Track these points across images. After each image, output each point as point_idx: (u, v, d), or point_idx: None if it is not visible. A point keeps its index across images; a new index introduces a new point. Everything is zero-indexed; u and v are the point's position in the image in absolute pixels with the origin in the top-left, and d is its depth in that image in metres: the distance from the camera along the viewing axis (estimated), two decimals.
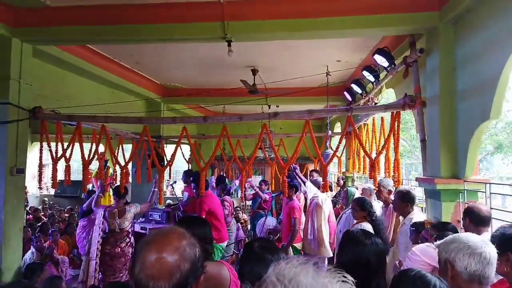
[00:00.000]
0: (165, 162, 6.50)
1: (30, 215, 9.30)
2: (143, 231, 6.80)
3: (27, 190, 10.80)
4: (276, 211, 8.54)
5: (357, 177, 7.90)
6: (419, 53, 4.16)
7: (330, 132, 7.00)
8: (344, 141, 5.48)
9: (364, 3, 4.11)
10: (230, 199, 7.13)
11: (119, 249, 5.28)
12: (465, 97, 3.65)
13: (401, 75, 4.76)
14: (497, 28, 3.16)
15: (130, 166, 5.99)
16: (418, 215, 3.92)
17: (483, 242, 1.75)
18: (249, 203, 9.19)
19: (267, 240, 2.57)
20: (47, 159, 5.44)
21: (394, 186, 4.54)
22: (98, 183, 6.63)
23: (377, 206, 4.88)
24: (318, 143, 5.08)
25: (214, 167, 8.77)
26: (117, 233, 5.32)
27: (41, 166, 5.42)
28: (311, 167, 9.53)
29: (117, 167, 5.93)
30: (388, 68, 4.90)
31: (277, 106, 9.19)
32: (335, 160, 5.18)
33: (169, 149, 8.69)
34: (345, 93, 7.41)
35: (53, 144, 5.20)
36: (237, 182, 8.14)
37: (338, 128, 9.92)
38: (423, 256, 2.00)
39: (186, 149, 7.90)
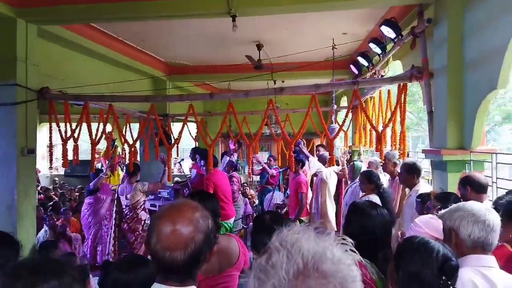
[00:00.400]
0: (172, 140, 6.56)
1: (42, 195, 9.48)
2: (153, 208, 6.93)
3: (39, 170, 10.98)
4: (283, 186, 8.63)
5: (363, 151, 7.92)
6: (427, 23, 4.10)
7: (335, 106, 6.98)
8: (350, 115, 5.48)
9: None
10: (238, 175, 7.21)
11: (126, 225, 5.43)
12: (473, 67, 3.61)
13: (408, 47, 4.70)
14: None
15: (137, 144, 6.04)
16: (424, 186, 3.95)
17: (486, 210, 1.78)
18: (256, 178, 9.27)
19: (277, 213, 2.64)
20: (56, 139, 5.52)
21: (399, 158, 4.56)
22: (107, 162, 6.74)
23: (384, 179, 4.92)
24: (324, 117, 5.09)
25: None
26: (125, 210, 5.45)
27: (51, 146, 5.50)
28: (317, 142, 9.55)
29: (125, 146, 6.00)
30: (395, 40, 4.84)
31: (283, 82, 9.13)
32: (342, 134, 5.19)
33: (176, 127, 8.75)
34: (352, 66, 7.34)
35: (61, 125, 5.26)
36: (235, 155, 8.05)
37: (344, 102, 9.87)
38: (425, 227, 2.03)
39: (192, 126, 7.92)
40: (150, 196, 7.44)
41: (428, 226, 2.05)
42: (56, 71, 6.03)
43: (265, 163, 8.20)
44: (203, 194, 2.50)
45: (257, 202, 8.80)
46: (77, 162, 5.56)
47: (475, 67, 3.57)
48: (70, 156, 5.36)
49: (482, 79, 3.43)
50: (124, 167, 7.54)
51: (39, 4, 4.61)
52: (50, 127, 5.28)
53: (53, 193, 9.94)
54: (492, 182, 3.54)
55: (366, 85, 5.79)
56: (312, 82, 4.96)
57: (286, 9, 4.49)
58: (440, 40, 3.95)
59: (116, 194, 6.12)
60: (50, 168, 5.98)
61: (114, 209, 5.73)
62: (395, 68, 6.38)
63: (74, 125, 5.23)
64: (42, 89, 4.95)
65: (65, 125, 5.23)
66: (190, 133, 8.05)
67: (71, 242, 6.18)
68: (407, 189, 4.23)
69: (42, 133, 9.20)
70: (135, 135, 5.98)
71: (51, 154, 5.51)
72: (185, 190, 7.25)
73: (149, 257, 1.42)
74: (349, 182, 5.63)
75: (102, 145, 8.99)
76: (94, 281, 3.49)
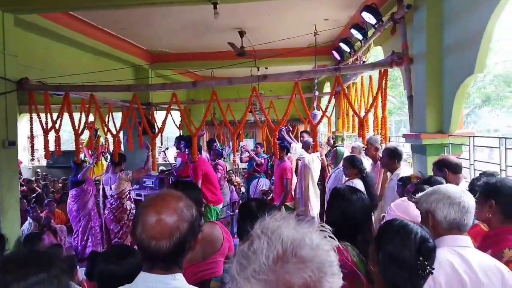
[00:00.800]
0: (156, 129, 6.52)
1: (24, 187, 9.34)
2: (138, 198, 6.92)
3: (21, 161, 10.80)
4: (270, 173, 8.69)
5: (346, 136, 8.01)
6: (406, 9, 4.13)
7: (317, 92, 7.02)
8: (333, 101, 5.53)
9: None
10: (223, 163, 7.23)
11: (112, 215, 5.43)
12: (451, 52, 3.68)
13: (389, 32, 4.74)
14: None
15: (121, 134, 6.00)
16: (405, 170, 4.04)
17: (461, 192, 1.84)
18: (242, 166, 9.31)
19: (262, 200, 2.69)
20: (36, 130, 5.44)
21: (381, 143, 4.64)
22: (90, 153, 6.68)
23: (367, 163, 5.00)
24: (308, 104, 5.12)
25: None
26: (110, 199, 5.44)
27: (32, 137, 5.41)
28: (301, 128, 9.61)
29: (109, 136, 5.94)
30: (376, 26, 4.87)
31: (266, 68, 9.12)
32: (325, 120, 5.24)
33: (159, 116, 8.68)
34: (334, 52, 7.37)
35: (42, 115, 5.18)
36: (230, 145, 8.14)
37: (327, 88, 9.93)
38: (396, 210, 2.12)
39: (176, 115, 7.88)
40: (135, 185, 7.42)
41: (398, 208, 2.13)
42: (36, 61, 5.90)
43: (252, 150, 8.24)
44: (186, 184, 2.52)
45: (243, 189, 8.85)
46: (60, 153, 5.49)
47: (453, 52, 3.64)
48: (52, 147, 5.29)
49: (460, 64, 3.51)
50: (108, 157, 7.49)
51: None
52: (31, 118, 5.20)
53: (35, 184, 9.81)
54: (470, 164, 3.65)
55: (348, 72, 5.84)
56: (296, 68, 4.98)
57: None
58: (420, 26, 4.01)
59: (100, 185, 6.09)
60: (32, 159, 5.90)
61: (101, 199, 5.70)
62: (377, 53, 6.44)
63: (55, 115, 5.15)
64: (21, 80, 4.85)
65: (46, 116, 5.15)
66: (174, 122, 8.02)
67: (56, 234, 6.15)
68: (388, 173, 4.33)
69: (23, 124, 9.02)
70: (118, 124, 5.92)
71: (32, 146, 5.44)
72: (170, 179, 7.25)
73: (135, 246, 1.44)
74: (332, 167, 5.72)
75: (85, 135, 8.88)
76: (81, 272, 3.50)
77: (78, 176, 6.19)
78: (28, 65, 5.51)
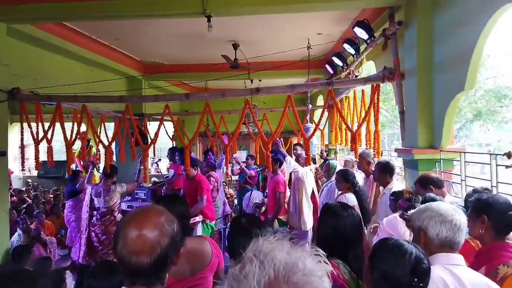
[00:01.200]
0: (149, 140, 6.48)
1: (14, 197, 9.21)
2: (129, 209, 6.84)
3: (11, 171, 10.66)
4: (262, 185, 8.66)
5: (339, 149, 8.03)
6: (398, 25, 4.20)
7: (310, 106, 7.06)
8: (326, 114, 5.55)
9: None
10: (216, 174, 7.19)
11: (104, 227, 5.35)
12: (442, 69, 3.73)
13: (381, 48, 4.80)
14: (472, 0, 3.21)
15: (113, 145, 5.95)
16: (397, 185, 4.05)
17: (453, 210, 1.84)
18: (235, 178, 9.28)
19: (253, 216, 2.65)
20: (27, 139, 5.38)
21: (374, 157, 4.65)
22: (82, 163, 6.61)
23: (359, 177, 5.01)
24: (301, 117, 5.14)
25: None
26: (102, 212, 5.37)
27: (22, 147, 5.35)
28: (295, 140, 9.62)
29: (101, 147, 5.90)
30: (368, 41, 4.93)
31: (260, 81, 9.16)
32: (319, 132, 5.24)
33: (152, 127, 8.65)
34: (327, 66, 7.43)
35: (33, 125, 5.13)
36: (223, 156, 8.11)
37: (321, 100, 9.98)
38: (387, 227, 2.11)
39: (169, 126, 7.86)
40: (127, 197, 7.35)
41: (388, 224, 2.12)
42: (28, 71, 5.88)
43: (243, 162, 8.21)
44: (174, 198, 2.49)
45: (236, 201, 8.80)
46: (52, 164, 5.43)
47: (444, 69, 3.69)
48: (42, 157, 5.23)
49: (451, 80, 3.55)
50: (99, 168, 7.42)
51: (8, 3, 4.48)
52: (22, 128, 5.14)
53: (26, 195, 9.67)
54: (461, 180, 3.67)
55: (340, 86, 5.88)
56: (289, 81, 5.01)
57: (261, 10, 4.52)
58: (411, 42, 4.06)
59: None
60: (23, 170, 5.81)
61: (87, 210, 5.61)
62: (370, 67, 6.50)
63: (46, 125, 5.11)
64: (12, 90, 4.82)
65: (37, 126, 5.11)
66: (167, 133, 7.98)
67: (46, 246, 6.04)
68: (381, 187, 4.33)
69: (14, 133, 8.95)
70: (110, 135, 5.88)
71: (23, 156, 5.36)
72: (162, 191, 7.18)
73: None
74: (322, 180, 5.70)
75: (76, 146, 8.82)
76: (71, 285, 3.44)
77: (77, 186, 6.11)
78: (20, 74, 5.49)
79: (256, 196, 7.43)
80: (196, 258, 2.28)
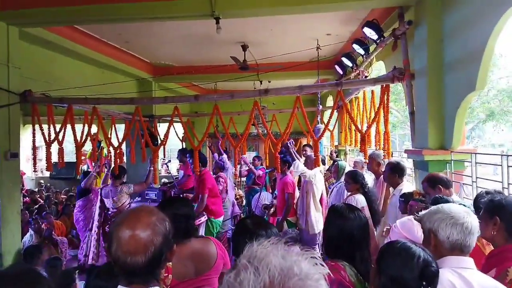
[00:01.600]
0: (159, 142, 6.52)
1: (27, 198, 9.34)
2: None
3: (24, 172, 10.82)
4: (271, 186, 8.64)
5: (349, 150, 7.98)
6: (408, 25, 4.16)
7: (320, 106, 7.02)
8: (335, 115, 5.52)
9: None
10: (225, 175, 7.20)
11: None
12: (452, 68, 3.68)
13: (390, 48, 4.76)
14: None
15: (124, 146, 6.00)
16: (407, 186, 4.00)
17: (465, 213, 1.80)
18: (244, 179, 9.28)
19: (258, 217, 2.64)
20: (40, 141, 5.46)
21: (384, 158, 4.61)
22: (93, 165, 6.68)
23: (369, 178, 4.96)
24: (311, 117, 5.11)
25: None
26: (112, 212, 5.42)
27: (34, 148, 5.43)
28: (304, 141, 9.59)
29: (111, 148, 5.96)
30: (377, 41, 4.89)
31: (269, 82, 9.15)
32: (328, 133, 5.21)
33: (162, 128, 8.69)
34: (336, 66, 7.39)
35: (45, 127, 5.20)
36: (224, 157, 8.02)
37: (330, 101, 9.93)
38: (401, 228, 2.08)
39: (179, 127, 7.90)
40: (137, 198, 7.39)
41: (403, 227, 2.09)
42: (40, 74, 5.96)
43: (250, 162, 8.21)
44: (177, 200, 2.50)
45: (245, 202, 8.79)
46: (63, 166, 5.50)
47: (455, 69, 3.64)
48: (54, 159, 5.30)
49: (461, 80, 3.50)
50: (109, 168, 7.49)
51: (20, 7, 4.55)
52: (34, 129, 5.22)
53: (38, 196, 9.81)
54: (472, 181, 3.62)
55: (350, 87, 5.84)
56: (298, 82, 5.00)
57: (269, 11, 4.51)
58: (421, 42, 4.02)
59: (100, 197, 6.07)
60: (35, 171, 5.91)
61: (98, 211, 5.67)
62: (381, 67, 6.45)
63: (58, 127, 5.17)
64: (24, 92, 4.89)
65: (49, 127, 5.18)
66: (176, 134, 8.01)
67: (58, 246, 6.11)
68: (391, 189, 4.28)
69: (26, 135, 9.07)
70: (120, 136, 5.93)
71: (34, 158, 5.43)
72: (172, 191, 7.21)
73: None
74: (330, 181, 5.65)
75: (88, 147, 8.91)
76: (81, 285, 3.47)
77: (81, 183, 6.18)
78: (32, 77, 5.56)
79: (265, 197, 7.42)
80: (200, 259, 2.27)
